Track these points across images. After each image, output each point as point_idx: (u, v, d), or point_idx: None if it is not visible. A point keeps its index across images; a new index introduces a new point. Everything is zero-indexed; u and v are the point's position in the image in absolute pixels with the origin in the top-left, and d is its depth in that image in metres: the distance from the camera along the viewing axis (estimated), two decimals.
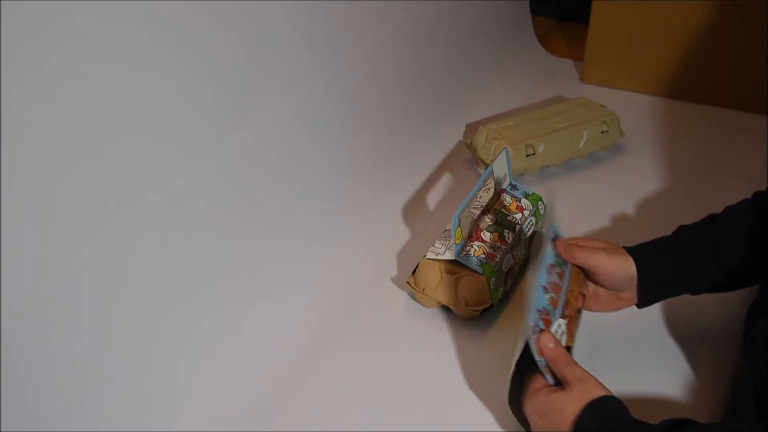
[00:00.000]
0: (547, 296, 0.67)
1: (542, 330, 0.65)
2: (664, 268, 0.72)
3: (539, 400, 0.64)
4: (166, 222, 0.71)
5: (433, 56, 1.17)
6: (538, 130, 1.08)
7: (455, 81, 1.23)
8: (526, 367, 0.66)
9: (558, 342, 0.65)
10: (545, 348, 0.64)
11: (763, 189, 0.74)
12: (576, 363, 0.64)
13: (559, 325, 0.68)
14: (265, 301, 0.82)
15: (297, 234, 0.88)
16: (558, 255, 0.71)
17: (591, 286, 0.74)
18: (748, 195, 0.74)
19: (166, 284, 0.72)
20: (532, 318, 0.64)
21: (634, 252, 0.72)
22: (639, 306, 0.74)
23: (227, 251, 0.79)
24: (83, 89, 0.61)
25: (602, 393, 0.61)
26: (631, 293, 0.73)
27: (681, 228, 0.75)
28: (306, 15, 0.87)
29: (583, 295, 0.74)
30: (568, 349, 0.68)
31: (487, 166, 1.05)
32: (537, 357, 0.64)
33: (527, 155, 1.05)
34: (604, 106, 1.13)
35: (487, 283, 0.81)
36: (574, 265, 0.73)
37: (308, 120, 0.90)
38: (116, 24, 0.63)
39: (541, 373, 0.65)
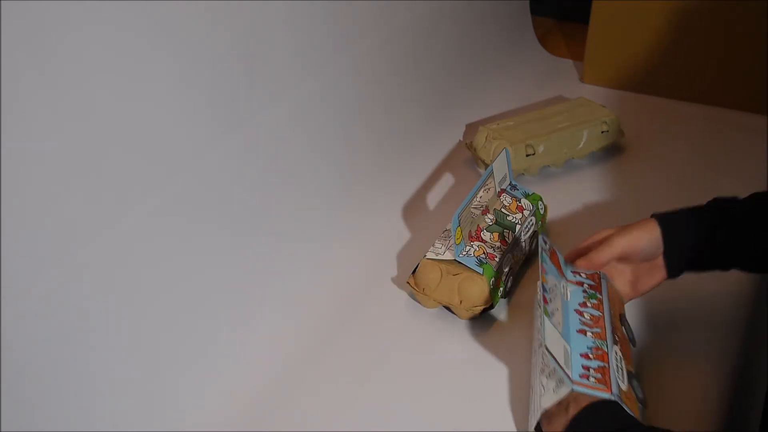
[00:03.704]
0: (590, 335, 0.67)
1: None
2: (687, 235, 0.71)
3: None
4: (165, 224, 0.71)
5: (433, 56, 1.17)
6: (538, 130, 1.08)
7: (455, 81, 1.23)
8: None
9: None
10: None
11: (764, 189, 0.73)
12: None
13: (615, 352, 0.67)
14: (265, 301, 0.82)
15: (297, 234, 0.88)
16: (590, 288, 0.71)
17: (627, 274, 0.74)
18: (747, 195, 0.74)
19: (167, 285, 0.72)
20: (574, 371, 0.63)
21: (658, 216, 0.73)
22: (669, 275, 0.73)
23: (227, 252, 0.79)
24: (80, 91, 0.61)
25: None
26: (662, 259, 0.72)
27: (712, 200, 0.73)
28: (306, 15, 0.87)
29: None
30: (630, 374, 0.67)
31: (487, 166, 1.05)
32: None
33: (527, 155, 1.05)
34: (604, 106, 1.13)
35: (487, 283, 0.81)
36: (609, 284, 0.72)
37: (308, 120, 0.90)
38: (112, 25, 0.63)
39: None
